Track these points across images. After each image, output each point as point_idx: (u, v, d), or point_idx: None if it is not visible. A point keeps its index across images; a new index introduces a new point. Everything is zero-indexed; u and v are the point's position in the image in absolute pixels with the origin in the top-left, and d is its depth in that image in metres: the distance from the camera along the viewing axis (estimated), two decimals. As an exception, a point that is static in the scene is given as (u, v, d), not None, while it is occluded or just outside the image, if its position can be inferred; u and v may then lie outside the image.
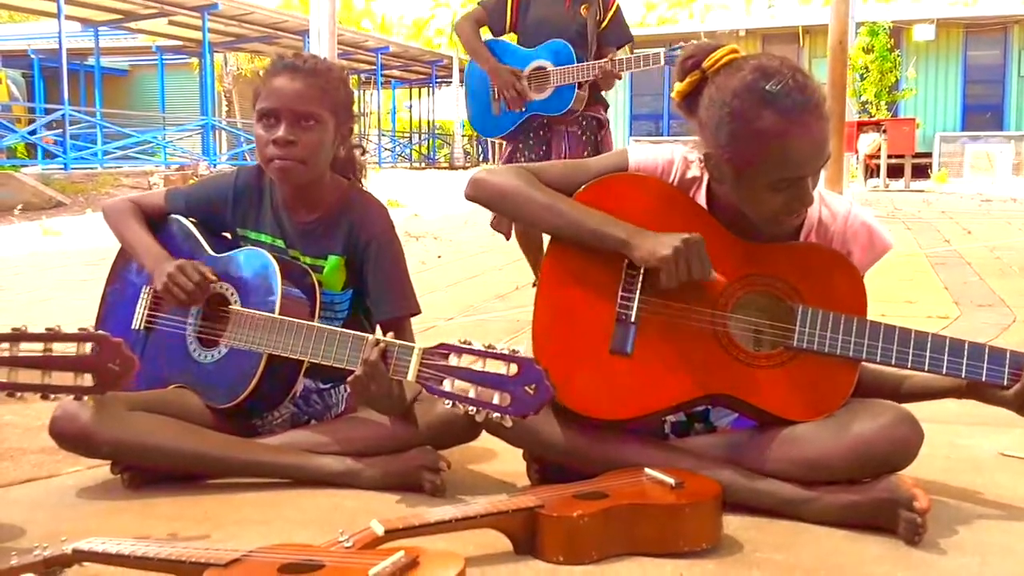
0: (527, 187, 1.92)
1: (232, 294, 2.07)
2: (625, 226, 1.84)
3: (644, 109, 23.53)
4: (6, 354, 1.54)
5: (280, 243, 2.18)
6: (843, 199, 1.98)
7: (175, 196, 2.27)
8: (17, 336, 1.55)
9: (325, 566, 1.32)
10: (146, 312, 2.17)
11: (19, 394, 1.56)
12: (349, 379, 1.86)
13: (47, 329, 1.57)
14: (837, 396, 1.80)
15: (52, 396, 1.59)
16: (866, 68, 19.46)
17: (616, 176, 1.94)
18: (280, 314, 1.99)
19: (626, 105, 23.17)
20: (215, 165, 18.08)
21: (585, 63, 4.07)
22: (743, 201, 1.82)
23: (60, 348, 1.56)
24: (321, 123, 2.08)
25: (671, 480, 1.68)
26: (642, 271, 1.84)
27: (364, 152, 2.37)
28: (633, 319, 1.85)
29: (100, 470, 2.04)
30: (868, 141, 16.10)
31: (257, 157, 2.13)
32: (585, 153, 4.16)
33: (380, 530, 1.47)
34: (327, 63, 2.17)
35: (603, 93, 4.31)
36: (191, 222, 2.23)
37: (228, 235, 2.24)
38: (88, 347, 1.57)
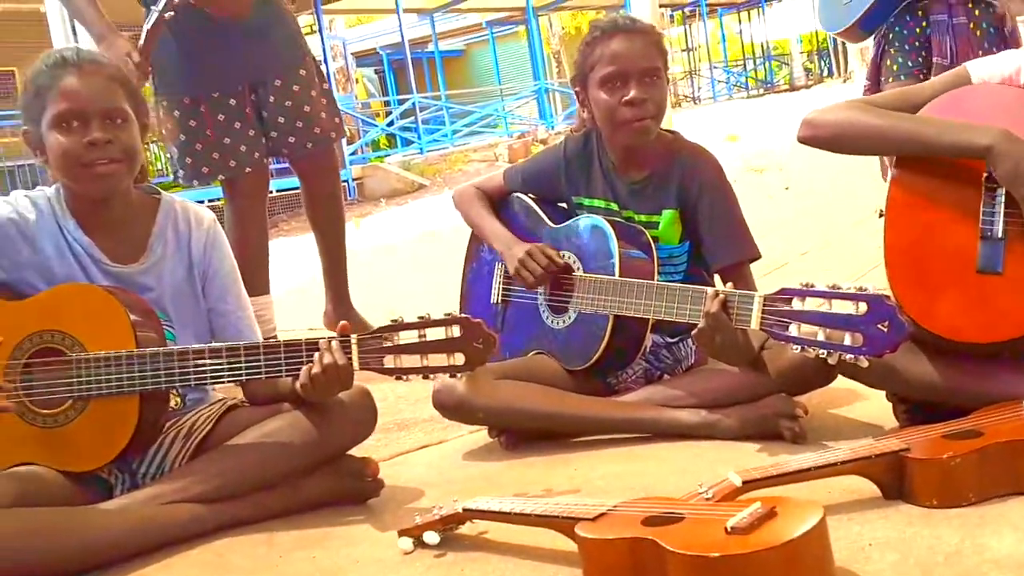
0: (863, 115, 1.82)
1: (574, 261, 2.17)
2: (988, 130, 1.68)
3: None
4: (389, 344, 1.74)
5: (613, 205, 2.24)
6: None
7: (513, 175, 2.42)
8: (396, 327, 1.75)
9: (685, 518, 1.37)
10: (501, 287, 2.34)
11: (405, 377, 1.76)
12: (694, 332, 1.89)
13: (419, 318, 1.74)
14: None
15: (432, 376, 1.78)
16: None
17: (966, 89, 1.78)
18: (620, 275, 2.06)
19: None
20: (552, 127, 18.73)
21: None
22: None
23: (432, 333, 1.73)
24: (661, 78, 2.14)
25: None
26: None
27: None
28: (1000, 235, 1.70)
29: (479, 435, 2.24)
30: None
31: (602, 122, 2.18)
32: (979, 54, 2.83)
33: (738, 481, 1.49)
34: (647, 23, 2.21)
35: None
36: (530, 197, 2.37)
37: (564, 205, 2.35)
38: (455, 330, 1.73)
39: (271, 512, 1.83)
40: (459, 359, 1.72)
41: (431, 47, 21.68)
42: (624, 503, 1.47)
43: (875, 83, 3.11)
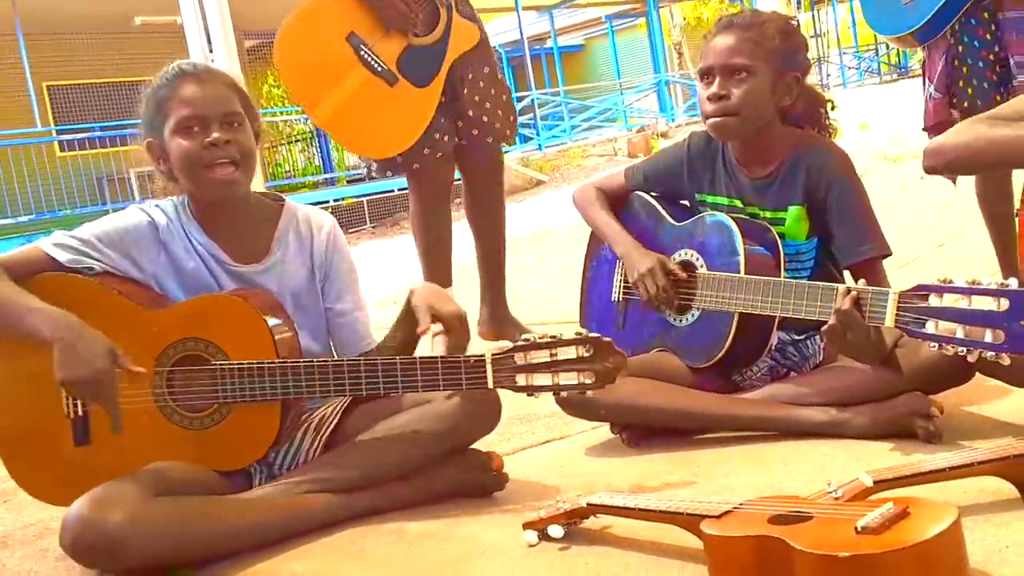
0: (989, 129, 1.74)
1: (698, 259, 2.16)
2: None
3: None
4: (522, 363, 1.78)
5: (737, 202, 2.22)
6: None
7: (634, 173, 2.42)
8: (529, 346, 1.78)
9: (813, 517, 1.35)
10: (622, 286, 2.35)
11: (536, 394, 1.79)
12: (823, 328, 1.85)
13: (551, 337, 1.77)
14: None
15: (563, 394, 1.81)
16: None
17: None
18: (745, 273, 2.04)
19: None
20: (672, 120, 18.52)
21: None
22: None
23: (563, 352, 1.76)
24: (753, 74, 2.09)
25: None
26: None
27: (833, 107, 2.30)
28: None
29: (602, 431, 2.25)
30: None
31: (701, 116, 2.20)
32: None
33: (869, 481, 1.46)
34: (765, 15, 2.18)
35: None
36: (652, 196, 2.36)
37: (686, 203, 2.34)
38: (586, 349, 1.75)
39: (401, 503, 1.90)
40: (589, 378, 1.75)
41: (550, 43, 21.74)
42: (750, 501, 1.46)
43: (946, 97, 2.69)
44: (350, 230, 11.89)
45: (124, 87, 15.18)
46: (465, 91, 3.10)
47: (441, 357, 1.82)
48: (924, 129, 2.85)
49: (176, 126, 1.92)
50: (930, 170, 1.86)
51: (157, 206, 2.01)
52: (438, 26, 2.96)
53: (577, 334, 1.77)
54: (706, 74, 2.14)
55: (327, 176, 14.63)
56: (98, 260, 1.91)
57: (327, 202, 13.13)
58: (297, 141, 16.69)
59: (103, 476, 1.73)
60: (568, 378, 1.76)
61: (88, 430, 1.88)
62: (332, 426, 1.97)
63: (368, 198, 12.89)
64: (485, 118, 3.12)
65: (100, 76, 14.63)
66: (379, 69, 2.98)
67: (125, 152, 12.12)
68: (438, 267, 3.21)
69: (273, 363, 1.83)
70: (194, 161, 1.91)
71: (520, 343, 1.78)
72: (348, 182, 14.73)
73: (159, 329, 1.88)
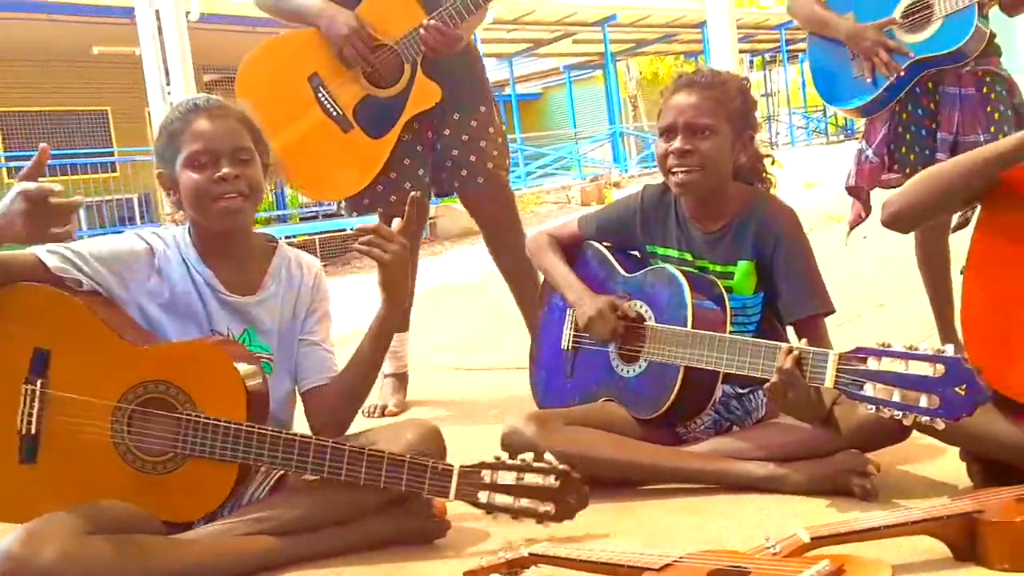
0: (935, 169, 1.85)
1: (647, 311, 2.19)
2: None
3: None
4: (488, 480, 1.80)
5: (688, 255, 2.26)
6: None
7: (587, 222, 2.45)
8: (498, 465, 1.80)
9: (751, 572, 1.37)
10: (572, 333, 2.37)
11: (493, 514, 1.80)
12: (766, 386, 1.89)
13: (522, 459, 1.80)
14: None
15: (519, 518, 1.80)
16: None
17: None
18: (693, 326, 2.07)
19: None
20: (626, 171, 18.78)
21: None
22: None
23: (531, 477, 1.77)
24: (716, 133, 2.15)
25: None
26: None
27: (773, 162, 2.37)
28: None
29: (547, 478, 2.25)
30: None
31: (661, 170, 2.25)
32: (991, 129, 2.67)
33: (806, 537, 1.48)
34: (724, 75, 2.25)
35: (997, 39, 2.81)
36: (604, 246, 2.40)
37: (638, 254, 2.37)
38: (552, 479, 1.77)
39: (341, 549, 1.88)
40: (549, 508, 1.77)
41: (508, 90, 21.99)
42: (690, 555, 1.48)
43: (883, 163, 2.83)
44: (301, 267, 11.80)
45: (80, 116, 15.08)
46: (447, 132, 3.06)
47: (410, 458, 1.82)
48: (848, 188, 2.96)
49: (187, 160, 1.96)
50: (887, 221, 1.92)
51: (155, 233, 2.04)
52: (400, 80, 2.98)
53: (547, 463, 1.78)
54: (669, 131, 2.18)
55: (279, 213, 14.53)
56: (87, 274, 1.90)
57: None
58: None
59: (45, 499, 1.70)
60: (529, 504, 1.77)
61: (36, 449, 1.85)
62: (279, 474, 1.96)
63: (320, 236, 12.83)
64: (473, 157, 3.06)
65: (57, 104, 14.49)
66: (335, 114, 2.99)
67: (74, 180, 11.95)
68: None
69: (240, 426, 1.82)
70: (202, 194, 1.95)
71: (490, 461, 1.80)
72: (301, 219, 14.65)
73: (132, 364, 1.86)
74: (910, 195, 1.89)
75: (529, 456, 1.80)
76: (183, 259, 2.00)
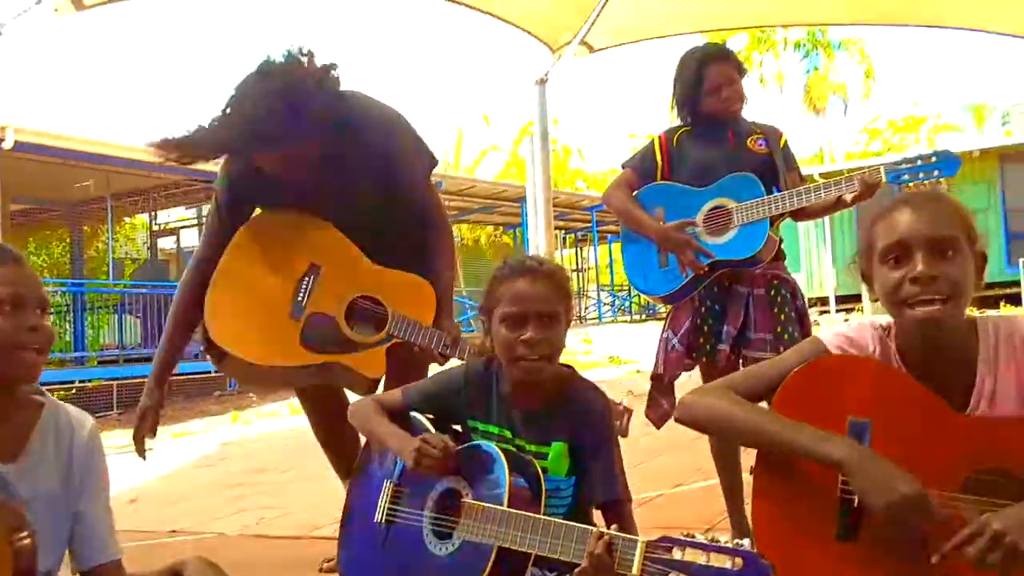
0: (735, 408, 1.95)
1: (465, 487, 2.20)
2: (841, 444, 1.80)
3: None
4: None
5: (507, 433, 2.31)
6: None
7: (412, 393, 2.46)
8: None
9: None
10: (387, 506, 2.34)
11: None
12: (576, 571, 1.92)
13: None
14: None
15: None
16: None
17: (816, 363, 1.93)
18: (508, 505, 2.10)
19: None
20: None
21: (793, 191, 3.08)
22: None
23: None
24: (559, 321, 2.25)
25: None
26: None
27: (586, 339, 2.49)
28: (856, 504, 1.82)
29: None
30: None
31: (502, 355, 2.28)
32: (776, 329, 3.09)
33: None
34: (554, 264, 2.37)
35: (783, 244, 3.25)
36: (427, 418, 2.42)
37: (459, 428, 2.40)
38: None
39: None
40: None
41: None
42: None
43: (687, 351, 3.18)
44: (96, 415, 11.06)
45: None
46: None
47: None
48: (653, 376, 3.25)
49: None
50: (680, 421, 2.05)
51: None
52: (368, 336, 2.93)
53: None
54: (517, 318, 2.22)
55: (77, 355, 13.60)
56: None
57: (71, 382, 12.24)
58: (53, 313, 15.62)
59: None
60: None
61: None
62: None
63: (119, 382, 12.13)
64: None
65: None
66: (298, 298, 2.95)
67: None
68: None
69: None
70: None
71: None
72: (99, 363, 13.80)
73: None
74: (700, 414, 2.00)
75: None
76: None
